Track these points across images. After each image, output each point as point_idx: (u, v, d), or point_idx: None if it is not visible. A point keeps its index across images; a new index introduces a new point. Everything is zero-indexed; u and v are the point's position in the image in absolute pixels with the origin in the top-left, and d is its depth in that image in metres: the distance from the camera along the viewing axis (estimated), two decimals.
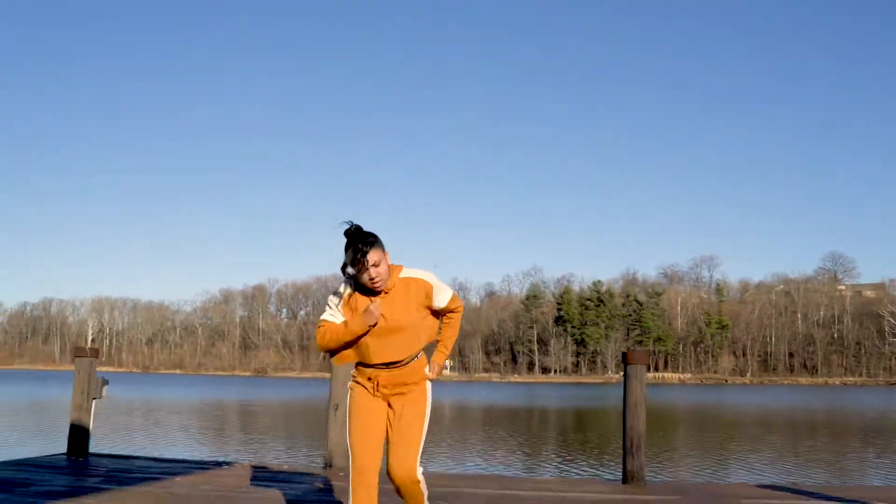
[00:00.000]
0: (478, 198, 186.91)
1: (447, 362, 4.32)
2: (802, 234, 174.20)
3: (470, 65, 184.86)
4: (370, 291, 4.06)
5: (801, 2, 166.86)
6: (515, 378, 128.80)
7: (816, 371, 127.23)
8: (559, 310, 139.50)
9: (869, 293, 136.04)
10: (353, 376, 4.27)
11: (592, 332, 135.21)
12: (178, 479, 6.91)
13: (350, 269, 3.98)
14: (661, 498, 6.45)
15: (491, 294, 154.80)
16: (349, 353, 4.18)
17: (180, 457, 11.57)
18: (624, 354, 7.53)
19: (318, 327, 4.15)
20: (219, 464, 8.02)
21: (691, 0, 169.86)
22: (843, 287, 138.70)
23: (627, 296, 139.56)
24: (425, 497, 4.17)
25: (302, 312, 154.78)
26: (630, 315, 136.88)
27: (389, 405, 4.16)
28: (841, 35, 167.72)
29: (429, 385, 4.23)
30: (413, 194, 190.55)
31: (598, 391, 73.89)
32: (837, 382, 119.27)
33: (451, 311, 4.24)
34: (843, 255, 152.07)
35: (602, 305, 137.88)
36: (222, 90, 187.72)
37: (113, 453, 9.34)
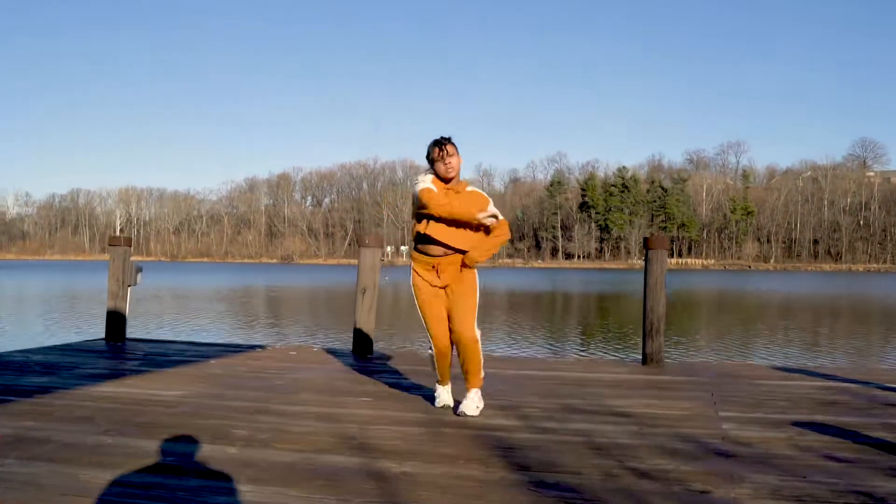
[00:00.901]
0: (502, 83, 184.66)
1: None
2: (833, 119, 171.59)
3: None
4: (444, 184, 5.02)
5: None
6: (539, 264, 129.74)
7: (840, 258, 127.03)
8: (583, 196, 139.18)
9: None
10: (414, 269, 5.12)
11: (616, 218, 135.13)
12: (212, 361, 7.20)
13: (432, 156, 5.01)
14: (675, 379, 6.65)
15: (515, 180, 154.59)
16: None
17: (213, 341, 11.95)
18: (645, 240, 7.65)
19: (426, 191, 4.94)
20: (251, 347, 8.34)
21: None
22: (871, 174, 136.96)
23: (652, 182, 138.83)
24: (481, 356, 5.14)
25: (326, 200, 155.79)
26: (655, 201, 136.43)
27: (446, 291, 5.07)
28: None
29: (476, 271, 5.15)
30: (437, 80, 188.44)
31: (621, 276, 74.44)
32: (861, 269, 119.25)
33: (498, 233, 5.12)
34: (873, 140, 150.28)
35: (626, 192, 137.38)
36: None
37: (149, 338, 9.68)
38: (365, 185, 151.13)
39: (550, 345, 16.06)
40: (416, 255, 5.12)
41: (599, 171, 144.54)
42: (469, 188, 5.11)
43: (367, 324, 7.99)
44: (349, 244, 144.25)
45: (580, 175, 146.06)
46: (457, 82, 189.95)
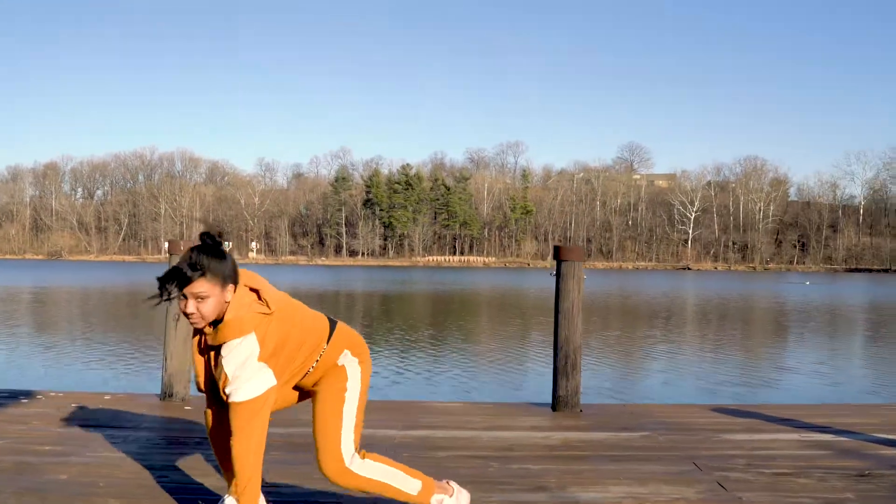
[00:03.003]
0: (287, 76, 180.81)
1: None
2: (603, 124, 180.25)
3: None
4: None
5: None
6: (323, 261, 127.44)
7: (612, 256, 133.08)
8: (368, 193, 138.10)
9: (661, 183, 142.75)
10: None
11: (400, 215, 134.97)
12: None
13: (171, 288, 2.86)
14: (620, 436, 5.00)
15: (298, 175, 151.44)
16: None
17: None
18: (556, 249, 5.92)
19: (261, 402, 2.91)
20: (13, 395, 5.86)
21: None
22: (638, 176, 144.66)
23: (436, 180, 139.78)
24: (384, 482, 3.08)
25: (99, 192, 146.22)
26: (438, 199, 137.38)
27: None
28: None
29: (349, 368, 3.15)
30: (220, 70, 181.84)
31: (405, 274, 73.79)
32: (630, 267, 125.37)
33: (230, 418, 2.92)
34: (639, 145, 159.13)
35: (410, 189, 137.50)
36: None
37: None
38: (141, 177, 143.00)
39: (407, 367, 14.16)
40: None
41: (384, 169, 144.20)
42: (227, 346, 2.87)
43: (182, 364, 5.83)
44: (123, 239, 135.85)
45: (364, 172, 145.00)
46: (238, 72, 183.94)
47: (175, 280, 2.81)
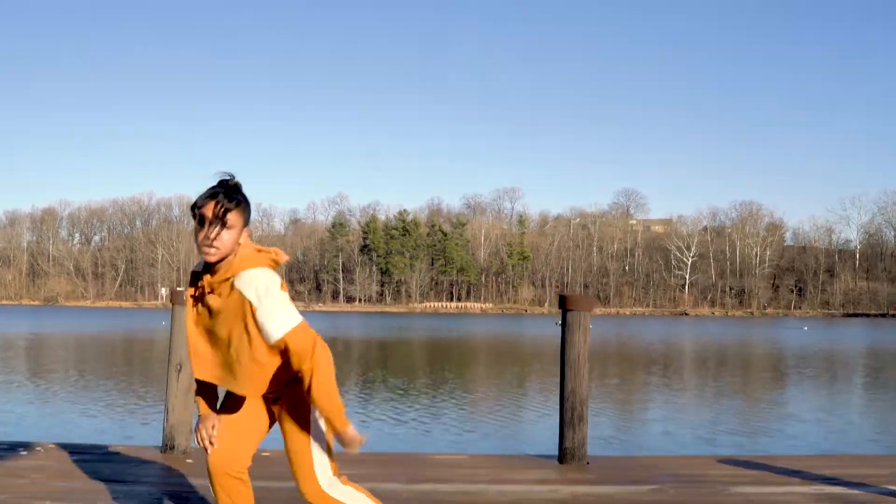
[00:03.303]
0: (284, 121, 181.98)
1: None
2: (599, 169, 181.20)
3: None
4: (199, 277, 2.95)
5: None
6: (320, 307, 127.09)
7: (609, 302, 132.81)
8: (365, 238, 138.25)
9: (658, 228, 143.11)
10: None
11: (397, 261, 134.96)
12: None
13: (197, 209, 2.84)
14: (633, 490, 4.93)
15: (295, 221, 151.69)
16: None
17: None
18: (562, 298, 5.89)
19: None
20: (12, 447, 5.78)
21: None
22: (634, 222, 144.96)
23: (432, 226, 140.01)
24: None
25: (96, 238, 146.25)
26: (435, 245, 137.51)
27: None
28: None
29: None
30: (213, 115, 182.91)
31: (403, 321, 73.56)
32: (628, 313, 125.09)
33: (294, 354, 2.82)
34: (635, 190, 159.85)
35: (407, 235, 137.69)
36: None
37: None
38: (139, 223, 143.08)
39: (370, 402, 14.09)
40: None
41: (381, 214, 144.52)
42: (239, 279, 2.81)
43: (186, 416, 5.76)
44: (120, 285, 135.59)
45: (361, 218, 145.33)
46: (233, 118, 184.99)
47: (218, 196, 2.81)
